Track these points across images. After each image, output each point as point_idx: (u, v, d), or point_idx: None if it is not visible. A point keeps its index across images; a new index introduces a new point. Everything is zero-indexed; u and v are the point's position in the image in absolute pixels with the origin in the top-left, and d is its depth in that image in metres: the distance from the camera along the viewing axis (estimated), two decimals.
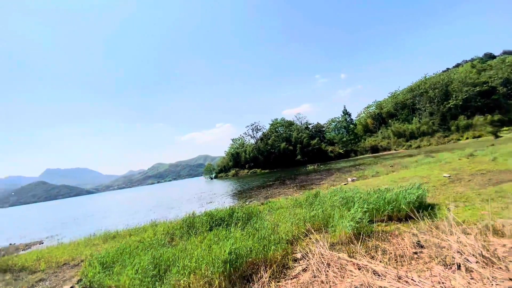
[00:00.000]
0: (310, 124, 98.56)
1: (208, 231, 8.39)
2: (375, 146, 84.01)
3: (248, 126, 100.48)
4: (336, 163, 56.91)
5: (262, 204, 13.19)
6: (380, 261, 4.58)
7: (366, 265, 4.10)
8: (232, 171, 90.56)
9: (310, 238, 6.70)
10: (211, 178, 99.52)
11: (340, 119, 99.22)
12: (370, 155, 77.36)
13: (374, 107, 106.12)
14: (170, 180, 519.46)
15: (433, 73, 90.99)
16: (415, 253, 4.93)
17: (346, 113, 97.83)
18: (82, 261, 8.40)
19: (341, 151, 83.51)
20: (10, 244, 17.09)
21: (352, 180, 18.40)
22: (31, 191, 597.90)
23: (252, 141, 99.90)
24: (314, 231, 7.22)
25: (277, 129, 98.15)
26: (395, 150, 77.13)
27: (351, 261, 4.43)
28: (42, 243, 15.51)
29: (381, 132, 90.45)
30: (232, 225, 8.33)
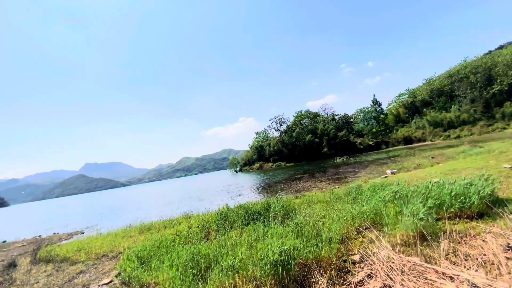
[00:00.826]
0: (336, 115, 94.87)
1: (245, 226, 7.91)
2: (409, 137, 78.95)
3: (272, 119, 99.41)
4: (367, 155, 54.21)
5: (297, 197, 12.49)
6: (467, 268, 3.71)
7: (458, 275, 3.26)
8: (257, 164, 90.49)
9: (363, 237, 5.92)
10: (236, 171, 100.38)
11: (369, 109, 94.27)
12: (403, 146, 72.87)
13: (406, 95, 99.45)
14: (196, 174, 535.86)
15: (474, 57, 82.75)
16: (510, 259, 3.97)
17: (376, 102, 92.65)
18: (120, 253, 8.37)
19: (371, 142, 79.56)
20: (54, 233, 18.24)
21: (392, 173, 16.98)
22: (73, 184, 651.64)
23: (276, 134, 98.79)
24: (366, 229, 6.42)
25: (301, 121, 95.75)
26: (431, 141, 71.92)
27: (433, 268, 3.60)
28: (83, 233, 16.26)
29: (415, 122, 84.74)
30: (270, 220, 7.75)
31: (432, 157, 22.95)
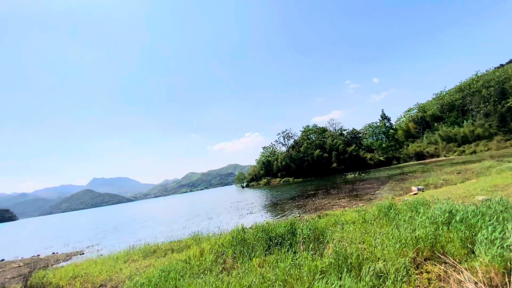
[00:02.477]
0: (345, 130, 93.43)
1: (267, 252, 6.67)
2: (421, 152, 76.73)
3: (279, 133, 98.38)
4: (379, 171, 52.25)
5: (320, 217, 11.15)
6: None
7: None
8: (264, 180, 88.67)
9: (427, 272, 4.63)
10: (243, 187, 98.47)
11: (378, 124, 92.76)
12: (416, 162, 70.56)
13: (416, 110, 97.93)
14: (202, 189, 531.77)
15: (485, 70, 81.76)
16: None
17: (384, 117, 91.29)
18: (121, 282, 7.16)
19: (381, 158, 77.43)
20: (53, 253, 17.02)
21: (419, 189, 15.50)
22: (80, 199, 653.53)
23: (284, 149, 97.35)
24: (425, 260, 5.12)
25: (309, 136, 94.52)
26: (444, 156, 69.56)
27: None
28: (83, 254, 15.04)
29: (426, 137, 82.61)
30: (299, 246, 6.48)
31: (458, 173, 21.35)
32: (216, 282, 4.74)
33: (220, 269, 5.97)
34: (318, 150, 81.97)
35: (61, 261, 13.61)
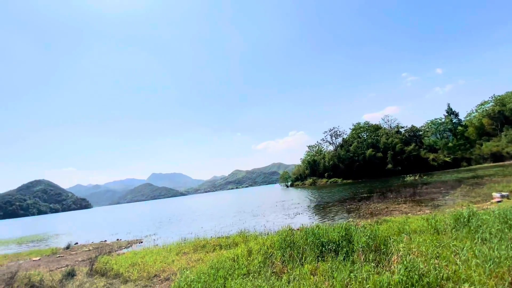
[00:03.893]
0: (402, 127, 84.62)
1: (319, 259, 6.11)
2: (498, 153, 65.33)
3: (326, 131, 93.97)
4: (445, 174, 46.04)
5: (377, 223, 10.03)
6: None
7: None
8: (309, 180, 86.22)
9: None
10: (287, 186, 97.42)
11: (442, 120, 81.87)
12: (492, 164, 60.38)
13: (492, 103, 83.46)
14: (247, 186, 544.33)
15: None
16: None
17: (451, 112, 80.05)
18: (172, 274, 7.41)
19: (447, 159, 68.25)
20: (117, 239, 19.10)
21: (503, 196, 12.93)
22: (141, 191, 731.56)
23: (331, 148, 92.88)
24: None
25: (360, 135, 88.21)
26: None
27: None
28: (141, 242, 16.45)
29: (506, 135, 69.90)
30: (358, 255, 5.76)
31: None
32: (267, 287, 4.41)
33: (270, 272, 5.63)
34: (370, 150, 76.16)
35: (123, 247, 15.10)
